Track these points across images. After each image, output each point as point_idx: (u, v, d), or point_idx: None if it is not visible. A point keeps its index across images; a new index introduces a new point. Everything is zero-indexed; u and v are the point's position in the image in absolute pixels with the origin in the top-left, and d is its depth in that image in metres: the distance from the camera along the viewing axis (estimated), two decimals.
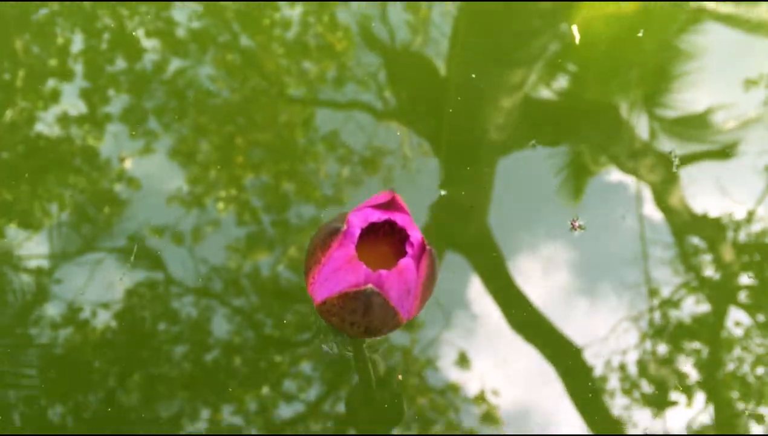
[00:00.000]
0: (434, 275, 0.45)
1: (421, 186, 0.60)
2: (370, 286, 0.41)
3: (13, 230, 0.58)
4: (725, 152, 0.62)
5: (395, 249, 0.47)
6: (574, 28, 0.63)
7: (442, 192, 0.58)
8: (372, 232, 0.46)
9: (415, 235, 0.43)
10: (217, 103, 0.63)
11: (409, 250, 0.43)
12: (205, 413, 0.53)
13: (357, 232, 0.42)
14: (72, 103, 0.63)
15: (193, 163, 0.61)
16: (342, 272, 0.42)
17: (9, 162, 0.61)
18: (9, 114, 0.62)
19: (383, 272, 0.41)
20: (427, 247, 0.43)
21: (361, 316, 0.42)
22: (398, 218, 0.44)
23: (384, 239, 0.47)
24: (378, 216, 0.43)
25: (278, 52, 0.65)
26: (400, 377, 0.54)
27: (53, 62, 0.65)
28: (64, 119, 0.63)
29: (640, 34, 0.64)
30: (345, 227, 0.42)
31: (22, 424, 0.53)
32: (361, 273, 0.41)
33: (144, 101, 0.63)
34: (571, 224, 0.57)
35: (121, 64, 0.65)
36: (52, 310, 0.56)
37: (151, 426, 0.53)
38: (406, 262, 0.42)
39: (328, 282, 0.42)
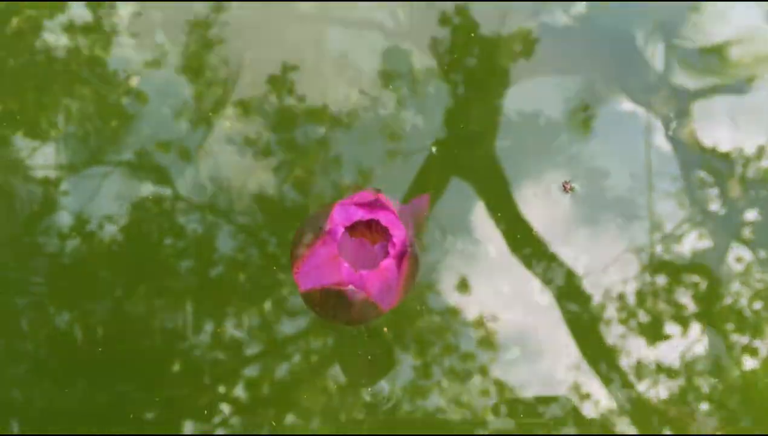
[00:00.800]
0: (416, 269, 0.47)
1: (430, 109, 0.59)
2: (350, 286, 0.42)
3: (20, 140, 0.58)
4: (739, 87, 0.61)
5: (377, 234, 0.49)
6: None
7: (434, 149, 0.58)
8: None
9: (398, 234, 0.44)
10: (226, 18, 0.62)
11: (391, 250, 0.44)
12: (208, 326, 0.55)
13: (340, 230, 0.43)
14: (78, 13, 0.62)
15: (201, 79, 0.60)
16: (325, 268, 0.43)
17: (15, 70, 0.60)
18: (15, 21, 0.61)
19: (364, 272, 0.43)
20: (409, 248, 0.44)
21: (343, 310, 0.44)
22: (382, 217, 0.45)
23: (367, 227, 0.49)
24: (362, 214, 0.44)
25: None
26: (386, 329, 0.55)
27: None
28: (70, 28, 0.62)
29: None
30: (328, 225, 0.43)
31: (30, 329, 0.54)
32: (343, 272, 0.43)
33: (151, 13, 0.62)
34: (563, 185, 0.57)
35: None
36: (60, 220, 0.56)
37: (156, 337, 0.54)
38: (388, 262, 0.43)
39: (311, 276, 0.44)
